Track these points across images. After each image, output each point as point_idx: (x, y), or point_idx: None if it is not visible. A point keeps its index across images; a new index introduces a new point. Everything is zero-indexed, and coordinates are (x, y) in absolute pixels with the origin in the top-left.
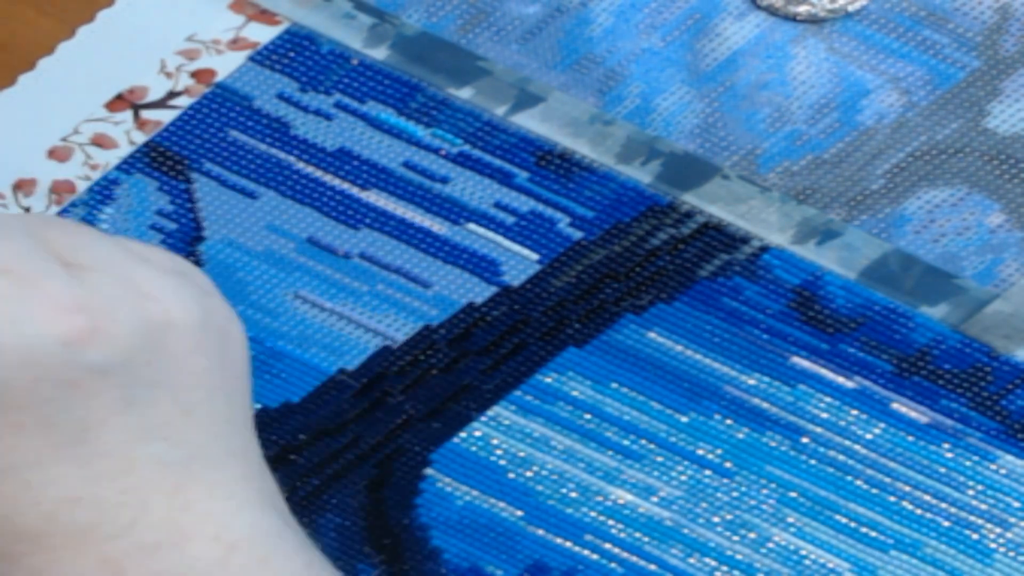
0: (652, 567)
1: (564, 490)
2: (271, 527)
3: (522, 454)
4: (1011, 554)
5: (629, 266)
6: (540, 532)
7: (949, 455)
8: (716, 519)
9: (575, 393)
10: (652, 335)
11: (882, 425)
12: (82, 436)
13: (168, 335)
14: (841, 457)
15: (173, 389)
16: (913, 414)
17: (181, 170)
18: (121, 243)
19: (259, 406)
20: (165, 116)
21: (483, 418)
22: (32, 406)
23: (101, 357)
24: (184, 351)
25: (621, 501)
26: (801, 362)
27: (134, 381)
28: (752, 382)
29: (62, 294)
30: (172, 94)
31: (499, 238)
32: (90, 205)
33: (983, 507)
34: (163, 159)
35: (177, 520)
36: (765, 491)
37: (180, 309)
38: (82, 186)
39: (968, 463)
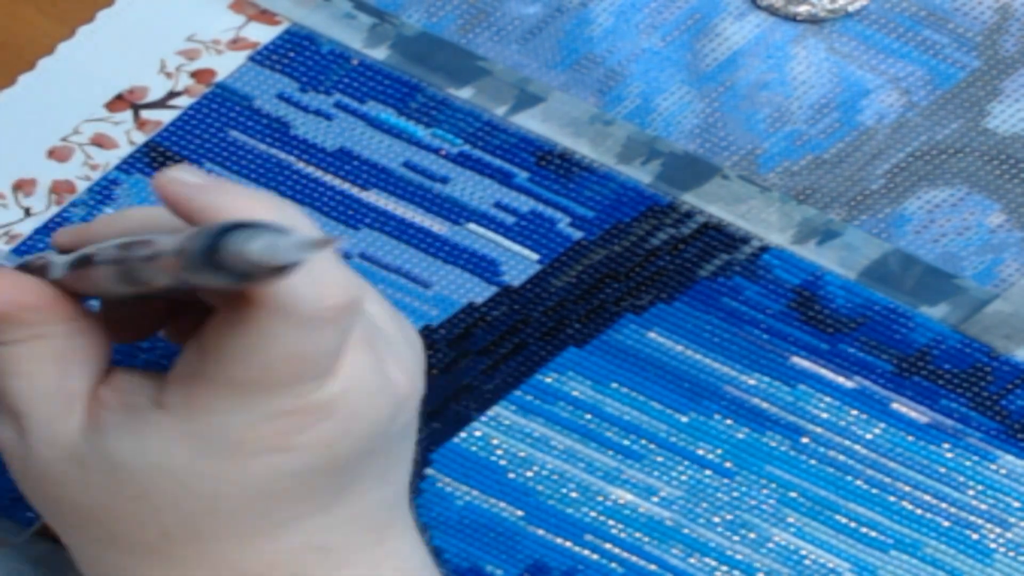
0: (652, 567)
1: (564, 490)
2: (429, 560)
3: (522, 454)
4: (1011, 554)
5: (629, 266)
6: (540, 532)
7: (949, 455)
8: (716, 519)
9: (575, 393)
10: (652, 335)
11: (882, 425)
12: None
13: None
14: (841, 457)
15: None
16: (913, 414)
17: None
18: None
19: None
20: (165, 116)
21: (483, 418)
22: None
23: (410, 417)
24: None
25: (621, 501)
26: (801, 362)
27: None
28: (752, 382)
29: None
30: (172, 94)
31: (499, 238)
32: (90, 205)
33: (983, 507)
34: (163, 159)
35: (381, 563)
36: (765, 491)
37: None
38: (82, 186)
39: (968, 463)
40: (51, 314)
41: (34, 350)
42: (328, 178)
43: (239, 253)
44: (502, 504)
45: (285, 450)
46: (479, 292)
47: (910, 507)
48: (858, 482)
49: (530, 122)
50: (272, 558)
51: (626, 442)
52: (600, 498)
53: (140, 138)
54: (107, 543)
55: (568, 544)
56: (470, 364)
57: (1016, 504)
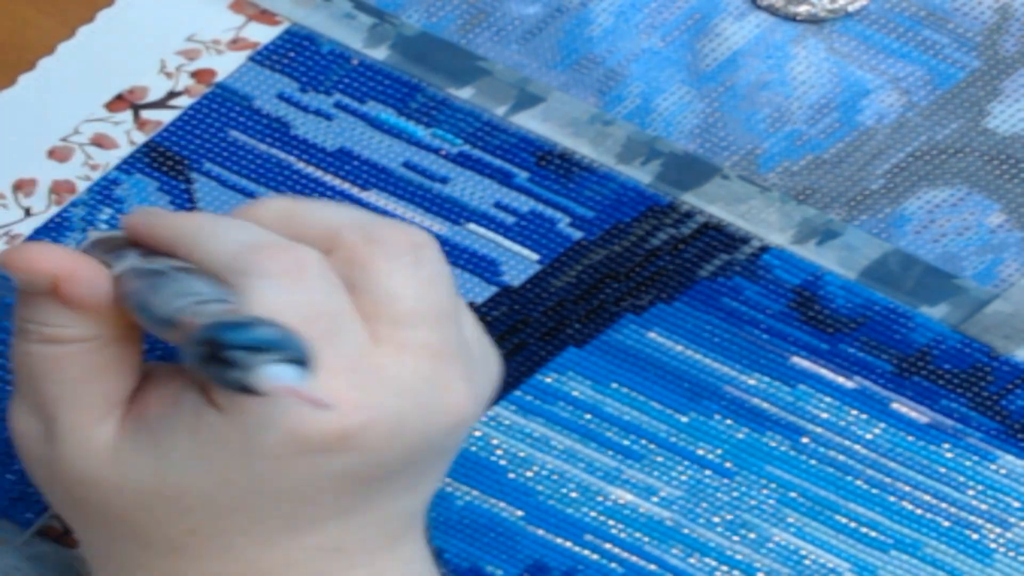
0: (652, 567)
1: (564, 490)
2: (432, 566)
3: (522, 454)
4: (1011, 554)
5: (629, 266)
6: (540, 532)
7: (949, 455)
8: (716, 519)
9: (575, 393)
10: (652, 335)
11: (882, 425)
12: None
13: None
14: (841, 457)
15: None
16: (913, 414)
17: (181, 170)
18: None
19: None
20: (165, 116)
21: (483, 418)
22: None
23: (461, 438)
24: None
25: (621, 501)
26: (801, 362)
27: None
28: (752, 382)
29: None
30: (172, 94)
31: (499, 238)
32: (90, 205)
33: (983, 507)
34: (163, 159)
35: (387, 568)
36: (765, 491)
37: None
38: (82, 186)
39: (968, 463)
40: (107, 318)
41: (78, 358)
42: (328, 178)
43: (242, 377)
44: (502, 504)
45: (333, 451)
46: (479, 292)
47: (910, 507)
48: (858, 482)
49: (530, 122)
50: (289, 556)
51: (626, 442)
52: (600, 498)
53: (140, 138)
54: (128, 539)
55: (568, 544)
56: None
57: (1016, 504)
